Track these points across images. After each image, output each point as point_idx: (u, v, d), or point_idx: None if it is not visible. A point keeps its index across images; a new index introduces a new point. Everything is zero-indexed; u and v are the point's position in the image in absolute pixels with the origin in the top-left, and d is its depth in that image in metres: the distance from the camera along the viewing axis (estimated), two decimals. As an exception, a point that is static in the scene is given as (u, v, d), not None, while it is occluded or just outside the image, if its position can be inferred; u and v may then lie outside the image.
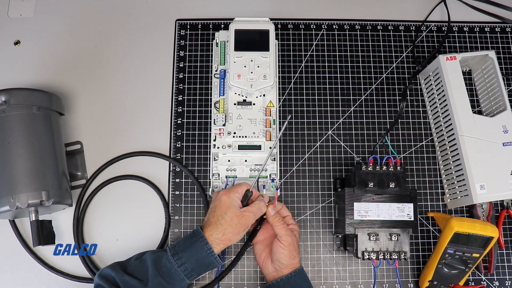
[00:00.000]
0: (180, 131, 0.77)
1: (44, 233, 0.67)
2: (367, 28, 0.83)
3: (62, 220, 0.73)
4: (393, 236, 0.65)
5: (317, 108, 0.78)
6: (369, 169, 0.67)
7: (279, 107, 0.77)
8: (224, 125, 0.70)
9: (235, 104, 0.70)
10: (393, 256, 0.65)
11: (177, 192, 0.74)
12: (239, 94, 0.70)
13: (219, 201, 0.63)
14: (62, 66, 0.80)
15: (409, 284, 0.72)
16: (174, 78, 0.79)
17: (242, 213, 0.62)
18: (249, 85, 0.68)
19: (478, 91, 0.79)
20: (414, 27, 0.83)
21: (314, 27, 0.82)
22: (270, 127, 0.69)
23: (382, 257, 0.65)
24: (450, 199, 0.74)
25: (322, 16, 0.83)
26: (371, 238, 0.65)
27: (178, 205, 0.74)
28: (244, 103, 0.70)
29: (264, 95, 0.71)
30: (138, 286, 0.59)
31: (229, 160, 0.70)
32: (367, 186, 0.66)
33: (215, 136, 0.70)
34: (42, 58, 0.80)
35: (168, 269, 0.60)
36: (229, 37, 0.70)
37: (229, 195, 0.63)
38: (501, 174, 0.68)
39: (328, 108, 0.78)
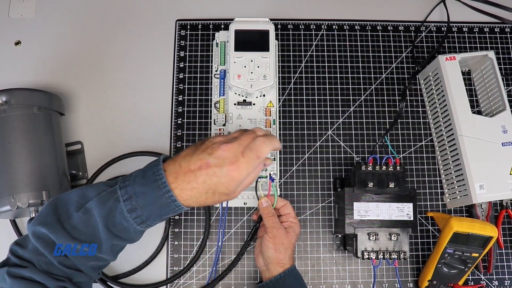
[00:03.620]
0: (180, 131, 0.77)
1: (45, 233, 0.67)
2: (367, 28, 0.83)
3: (63, 220, 0.73)
4: (392, 236, 0.65)
5: (317, 108, 0.78)
6: (368, 169, 0.67)
7: (279, 107, 0.78)
8: (224, 125, 0.70)
9: (235, 104, 0.70)
10: (393, 256, 0.65)
11: (177, 192, 0.74)
12: (239, 94, 0.70)
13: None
14: (62, 66, 0.80)
15: (408, 284, 0.72)
16: (174, 78, 0.79)
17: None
18: (249, 85, 0.69)
19: (477, 91, 0.79)
20: (413, 27, 0.83)
21: (314, 27, 0.82)
22: (270, 127, 0.69)
23: (382, 256, 0.65)
24: (450, 199, 0.74)
25: (322, 16, 0.83)
26: (371, 238, 0.65)
27: (178, 205, 0.74)
28: (244, 103, 0.70)
29: (264, 95, 0.71)
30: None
31: (229, 160, 0.70)
32: (367, 186, 0.66)
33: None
34: (42, 58, 0.81)
35: (125, 227, 0.50)
36: (229, 37, 0.70)
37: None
38: (501, 174, 0.68)
39: (328, 108, 0.78)
